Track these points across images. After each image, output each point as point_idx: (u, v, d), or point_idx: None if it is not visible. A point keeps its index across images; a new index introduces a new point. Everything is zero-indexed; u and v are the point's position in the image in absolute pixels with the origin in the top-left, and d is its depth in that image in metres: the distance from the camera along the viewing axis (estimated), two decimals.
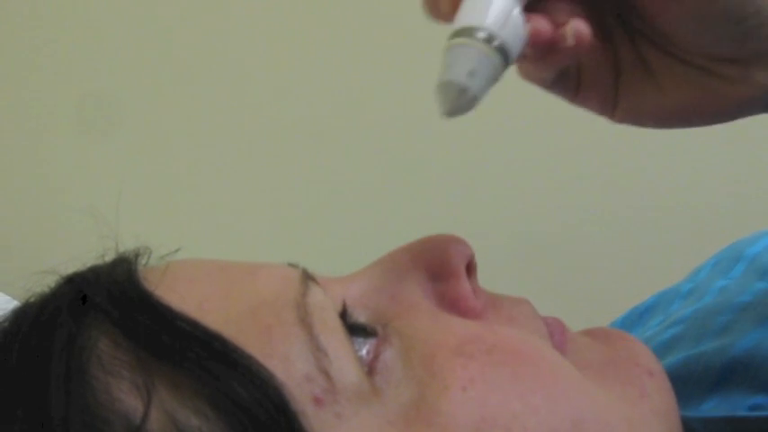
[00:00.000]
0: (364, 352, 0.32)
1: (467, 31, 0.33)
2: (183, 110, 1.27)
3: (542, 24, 0.34)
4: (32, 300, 0.34)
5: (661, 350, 0.49)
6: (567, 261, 1.07)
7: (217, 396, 0.28)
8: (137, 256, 0.36)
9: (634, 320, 0.56)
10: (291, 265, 0.37)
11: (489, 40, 0.32)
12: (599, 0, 0.36)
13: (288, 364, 0.29)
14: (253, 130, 1.24)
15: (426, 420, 0.30)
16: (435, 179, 1.14)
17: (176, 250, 0.38)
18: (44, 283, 0.36)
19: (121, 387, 0.29)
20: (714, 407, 0.44)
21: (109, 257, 0.37)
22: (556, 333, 0.36)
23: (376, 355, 0.32)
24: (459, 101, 0.32)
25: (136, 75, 1.29)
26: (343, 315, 0.33)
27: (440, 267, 0.36)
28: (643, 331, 0.54)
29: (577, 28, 0.34)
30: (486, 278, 0.39)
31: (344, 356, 0.30)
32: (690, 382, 0.45)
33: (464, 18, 0.33)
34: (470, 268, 0.37)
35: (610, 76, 0.38)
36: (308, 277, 0.34)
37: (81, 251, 0.38)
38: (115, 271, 0.34)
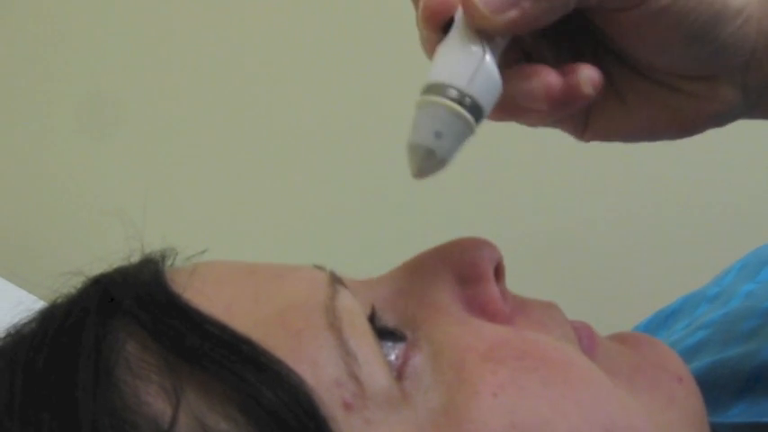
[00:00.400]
0: (393, 357, 0.32)
1: (436, 88, 0.32)
2: (206, 112, 1.27)
3: (553, 79, 0.33)
4: (59, 301, 0.34)
5: (687, 354, 0.48)
6: (590, 263, 1.06)
7: (246, 400, 0.28)
8: (163, 257, 0.35)
9: (659, 324, 0.56)
10: (318, 267, 0.36)
11: (460, 98, 0.32)
12: (570, 28, 0.36)
13: (317, 369, 0.29)
14: (275, 129, 1.24)
15: (456, 426, 0.30)
16: (457, 181, 1.13)
17: (202, 251, 0.38)
18: (70, 284, 0.36)
19: (149, 390, 0.29)
20: (741, 412, 0.43)
21: (135, 258, 0.37)
22: (584, 338, 0.36)
23: (405, 360, 0.32)
24: (427, 163, 0.32)
25: (160, 74, 1.29)
26: (372, 319, 0.33)
27: (468, 271, 0.35)
28: (668, 335, 0.54)
29: (591, 76, 0.34)
30: (509, 280, 0.39)
31: (374, 361, 0.30)
32: (717, 388, 0.44)
33: (436, 71, 0.32)
34: (499, 272, 0.36)
35: None
36: (336, 280, 0.33)
37: (107, 251, 0.38)
38: (142, 272, 0.33)
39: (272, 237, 1.21)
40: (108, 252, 0.38)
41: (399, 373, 0.31)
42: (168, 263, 0.36)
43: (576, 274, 1.03)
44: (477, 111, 0.32)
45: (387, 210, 1.17)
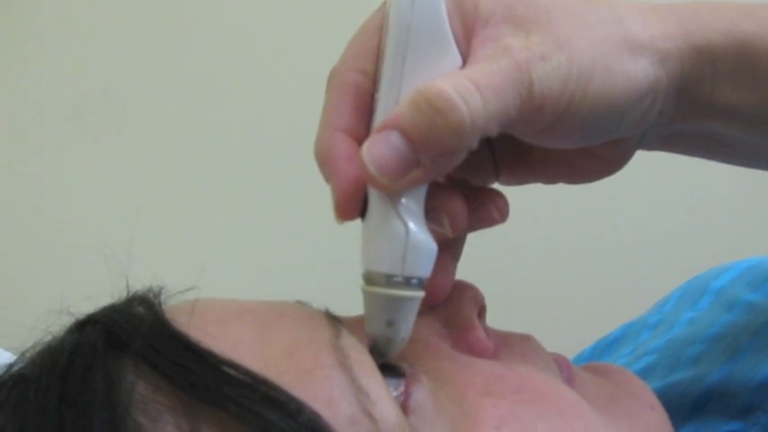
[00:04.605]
0: (395, 393, 0.33)
1: (373, 277, 0.33)
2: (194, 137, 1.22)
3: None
4: (53, 342, 0.34)
5: None
6: (531, 293, 1.09)
7: None
8: (156, 295, 0.35)
9: (603, 350, 0.58)
10: (300, 303, 0.37)
11: (398, 281, 0.32)
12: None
13: (332, 407, 0.30)
14: (268, 139, 1.20)
15: None
16: None
17: (189, 288, 0.38)
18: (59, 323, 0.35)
19: None
20: None
21: (120, 295, 0.36)
22: (564, 369, 0.38)
23: (408, 395, 0.33)
24: (390, 346, 0.34)
25: (144, 79, 1.24)
26: (373, 356, 0.34)
27: (454, 317, 0.37)
28: (613, 360, 0.56)
29: (500, 206, 0.37)
30: None
31: (384, 397, 0.31)
32: (667, 410, 0.47)
33: (368, 258, 0.33)
34: (481, 312, 0.38)
35: (488, 156, 0.39)
36: (334, 319, 0.34)
37: (86, 288, 0.38)
38: (138, 311, 0.33)
39: (255, 254, 1.18)
40: (87, 288, 0.38)
41: (403, 407, 0.32)
42: (160, 300, 0.36)
43: (515, 304, 1.05)
44: (418, 281, 0.33)
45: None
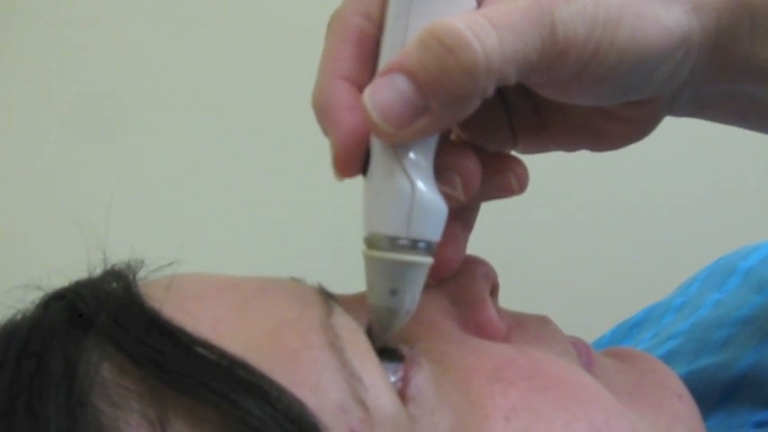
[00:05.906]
0: (393, 378, 0.29)
1: (376, 241, 0.29)
2: (184, 116, 1.21)
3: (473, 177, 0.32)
4: (17, 318, 0.31)
5: None
6: (549, 276, 1.06)
7: (244, 431, 0.26)
8: (132, 269, 0.32)
9: (624, 334, 0.55)
10: (295, 280, 0.34)
11: (403, 245, 0.29)
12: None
13: (320, 394, 0.27)
14: (259, 134, 1.18)
15: None
16: None
17: (171, 263, 0.35)
18: (26, 299, 0.32)
19: (130, 420, 0.26)
20: (719, 423, 0.43)
21: (98, 270, 0.33)
22: (583, 354, 0.34)
23: (407, 381, 0.30)
24: (393, 319, 0.30)
25: (133, 74, 1.23)
26: (369, 337, 0.31)
27: (463, 294, 0.34)
28: (634, 345, 0.53)
29: (519, 174, 0.34)
30: None
31: (380, 383, 0.28)
32: (693, 398, 0.44)
33: (370, 220, 0.30)
34: (493, 291, 0.35)
35: (504, 119, 0.37)
36: (328, 296, 0.31)
37: (65, 262, 0.35)
38: (111, 286, 0.30)
39: (248, 244, 1.16)
40: (67, 262, 0.35)
41: (402, 394, 0.29)
42: (138, 275, 0.32)
43: (531, 284, 1.03)
44: (425, 246, 0.29)
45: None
